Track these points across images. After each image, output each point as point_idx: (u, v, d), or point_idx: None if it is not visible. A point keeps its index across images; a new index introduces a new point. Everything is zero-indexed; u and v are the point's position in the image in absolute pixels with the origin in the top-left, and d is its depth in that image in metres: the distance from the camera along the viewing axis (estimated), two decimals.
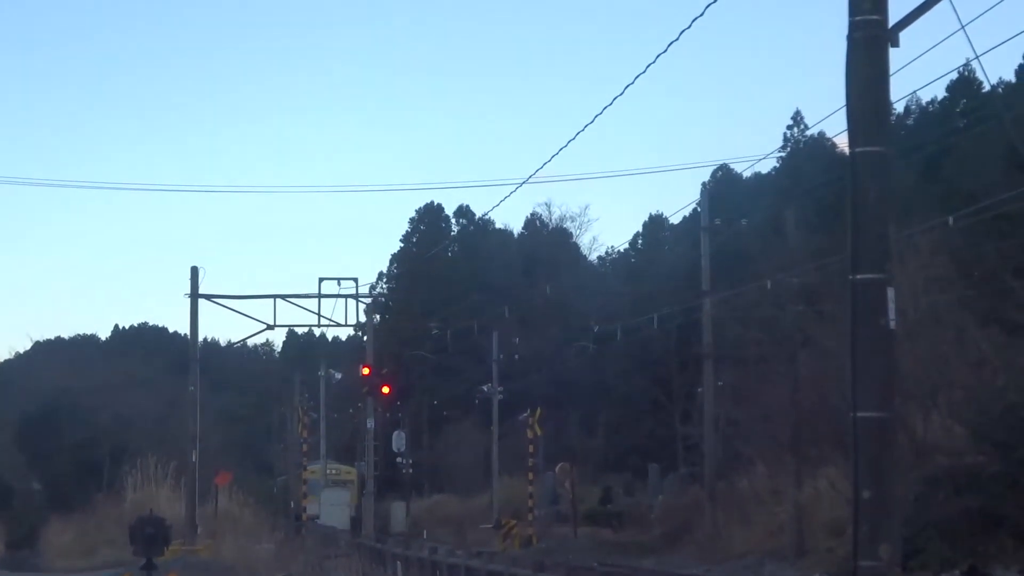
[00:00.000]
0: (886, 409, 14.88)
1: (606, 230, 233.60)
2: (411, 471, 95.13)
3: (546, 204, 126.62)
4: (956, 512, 40.31)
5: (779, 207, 66.69)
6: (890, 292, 14.72)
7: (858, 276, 14.68)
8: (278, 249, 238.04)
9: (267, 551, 47.96)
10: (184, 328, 72.28)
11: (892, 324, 14.77)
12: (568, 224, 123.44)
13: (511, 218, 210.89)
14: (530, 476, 72.63)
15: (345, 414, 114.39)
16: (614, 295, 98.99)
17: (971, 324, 45.28)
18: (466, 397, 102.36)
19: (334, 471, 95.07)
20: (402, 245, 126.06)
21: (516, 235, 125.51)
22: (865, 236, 14.66)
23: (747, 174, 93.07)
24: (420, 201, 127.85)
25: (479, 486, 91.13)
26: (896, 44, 14.95)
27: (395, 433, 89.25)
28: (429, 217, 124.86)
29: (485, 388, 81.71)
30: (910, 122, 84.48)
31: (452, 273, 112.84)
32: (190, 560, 44.16)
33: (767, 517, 53.77)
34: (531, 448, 72.20)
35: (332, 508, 79.16)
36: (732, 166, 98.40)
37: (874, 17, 14.83)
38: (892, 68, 15.00)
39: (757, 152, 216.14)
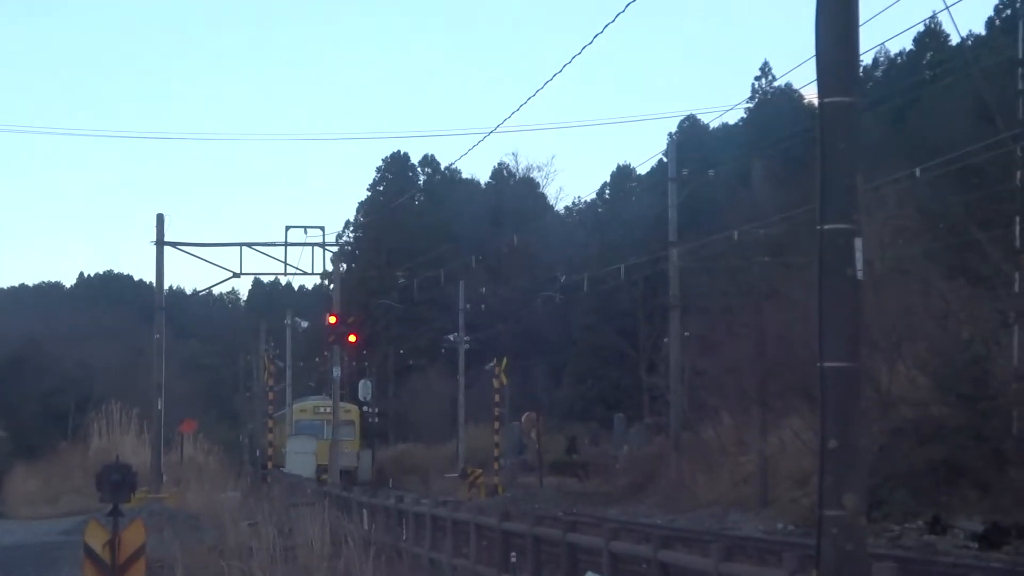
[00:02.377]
0: (853, 359, 14.89)
1: (573, 180, 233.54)
2: (377, 420, 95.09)
3: (513, 154, 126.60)
4: (920, 463, 40.54)
5: (746, 158, 66.73)
6: (858, 242, 14.71)
7: (826, 226, 14.65)
8: (245, 197, 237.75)
9: (232, 499, 47.86)
10: (150, 276, 72.18)
11: (859, 274, 14.78)
12: (535, 174, 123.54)
13: (478, 168, 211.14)
14: (496, 425, 72.74)
15: (311, 363, 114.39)
16: (581, 245, 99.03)
17: (937, 276, 45.41)
18: (432, 346, 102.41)
19: (328, 408, 76.80)
20: (369, 194, 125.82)
21: (483, 185, 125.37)
22: (833, 186, 14.64)
23: (714, 125, 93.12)
24: (387, 150, 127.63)
25: (445, 435, 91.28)
26: None
27: (361, 382, 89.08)
28: (396, 166, 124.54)
29: (451, 337, 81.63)
30: (878, 74, 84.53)
31: (419, 222, 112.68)
32: (156, 508, 44.11)
33: (732, 467, 53.99)
34: (497, 397, 72.27)
35: (298, 457, 79.14)
36: (699, 117, 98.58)
37: None
38: (861, 19, 14.97)
39: (724, 103, 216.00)
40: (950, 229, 49.38)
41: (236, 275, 57.27)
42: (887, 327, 42.40)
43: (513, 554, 28.37)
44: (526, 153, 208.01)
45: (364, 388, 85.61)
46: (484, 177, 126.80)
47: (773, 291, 50.90)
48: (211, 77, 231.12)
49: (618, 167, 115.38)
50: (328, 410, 76.56)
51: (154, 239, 56.72)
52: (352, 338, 57.30)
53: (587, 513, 51.50)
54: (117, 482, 20.32)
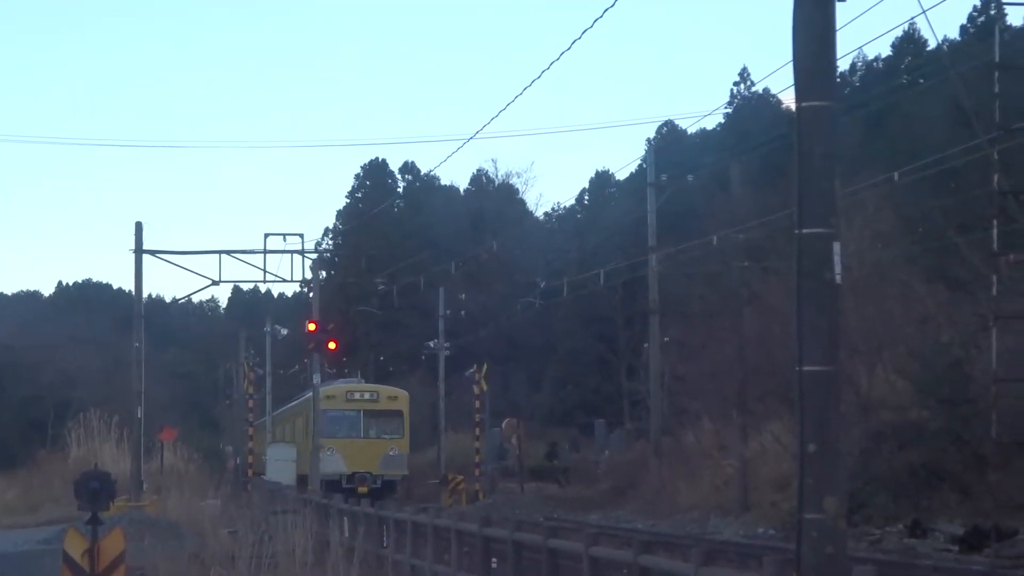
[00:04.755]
0: (831, 363, 14.93)
1: (552, 186, 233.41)
2: None
3: (492, 161, 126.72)
4: (900, 467, 40.65)
5: (725, 163, 66.86)
6: (836, 246, 14.75)
7: (804, 230, 14.69)
8: (224, 205, 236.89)
9: (213, 507, 47.80)
10: (129, 284, 72.05)
11: (838, 278, 14.82)
12: (514, 180, 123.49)
13: (457, 175, 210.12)
14: (477, 432, 72.71)
15: (291, 370, 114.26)
16: (560, 251, 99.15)
17: (915, 280, 45.56)
18: (412, 353, 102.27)
19: (368, 394, 69.68)
20: (348, 201, 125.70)
21: (462, 192, 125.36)
22: (811, 190, 14.68)
23: (693, 130, 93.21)
24: (366, 157, 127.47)
25: (425, 442, 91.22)
26: None
27: None
28: (375, 173, 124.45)
29: (432, 344, 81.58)
30: (855, 80, 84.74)
31: (398, 229, 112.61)
32: (136, 516, 43.96)
33: (712, 472, 54.06)
34: (477, 404, 72.26)
35: (278, 464, 78.98)
36: (678, 122, 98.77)
37: None
38: (839, 23, 15.02)
39: (703, 108, 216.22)
40: (928, 233, 49.57)
41: (215, 283, 57.20)
42: (866, 331, 42.53)
43: (494, 560, 28.37)
44: (505, 159, 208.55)
45: None
46: (463, 183, 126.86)
47: (752, 296, 51.02)
48: (189, 84, 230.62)
49: (597, 173, 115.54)
50: (367, 395, 68.19)
51: (133, 247, 56.63)
52: (332, 345, 57.29)
53: (568, 518, 51.53)
54: (96, 490, 20.27)
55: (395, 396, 68.48)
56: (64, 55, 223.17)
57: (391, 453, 65.12)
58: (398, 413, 67.39)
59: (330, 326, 58.31)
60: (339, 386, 69.88)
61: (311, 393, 62.06)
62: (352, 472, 63.62)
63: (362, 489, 58.87)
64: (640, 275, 65.27)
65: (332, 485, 58.29)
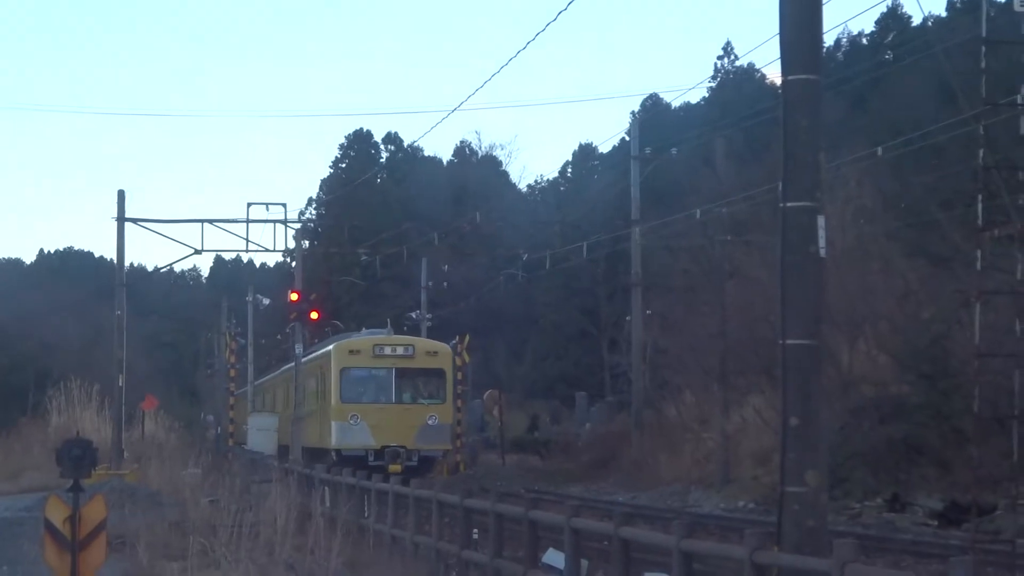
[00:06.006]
0: (814, 337, 14.99)
1: (536, 159, 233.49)
2: None
3: (476, 133, 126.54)
4: (880, 441, 40.79)
5: (709, 137, 66.90)
6: (820, 220, 14.81)
7: (788, 204, 14.73)
8: (207, 174, 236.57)
9: (194, 476, 47.75)
10: (110, 253, 71.86)
11: (822, 252, 14.87)
12: (498, 152, 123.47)
13: (441, 146, 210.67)
14: (458, 404, 72.68)
15: (273, 340, 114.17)
16: (543, 224, 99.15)
17: (898, 256, 45.66)
18: (395, 324, 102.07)
19: (402, 347, 54.63)
20: (331, 171, 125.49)
21: (446, 163, 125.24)
22: (796, 163, 14.71)
23: (677, 104, 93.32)
24: (350, 127, 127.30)
25: None
26: None
27: None
28: (358, 144, 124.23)
29: (414, 315, 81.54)
30: (840, 55, 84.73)
31: (381, 200, 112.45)
32: (116, 484, 43.89)
33: (694, 445, 54.17)
34: (459, 375, 72.24)
35: (259, 434, 78.86)
36: (662, 96, 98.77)
37: None
38: None
39: (687, 82, 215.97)
40: (911, 209, 49.62)
41: (197, 252, 57.02)
42: (848, 306, 42.61)
43: (475, 531, 28.43)
44: (489, 132, 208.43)
45: None
46: (447, 155, 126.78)
47: (735, 270, 51.11)
48: (173, 53, 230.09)
49: (580, 146, 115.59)
50: (401, 349, 54.26)
51: (115, 215, 56.49)
52: (314, 315, 57.15)
53: (549, 491, 51.59)
54: (78, 457, 20.21)
55: (435, 351, 55.52)
56: (47, 22, 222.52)
57: (431, 422, 52.93)
58: (439, 372, 54.46)
59: (313, 296, 58.18)
60: (364, 338, 57.61)
61: (293, 364, 61.41)
62: (382, 447, 51.70)
63: (394, 468, 48.14)
64: (623, 248, 65.29)
65: (355, 462, 47.84)
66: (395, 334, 58.89)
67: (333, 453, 52.09)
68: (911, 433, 40.22)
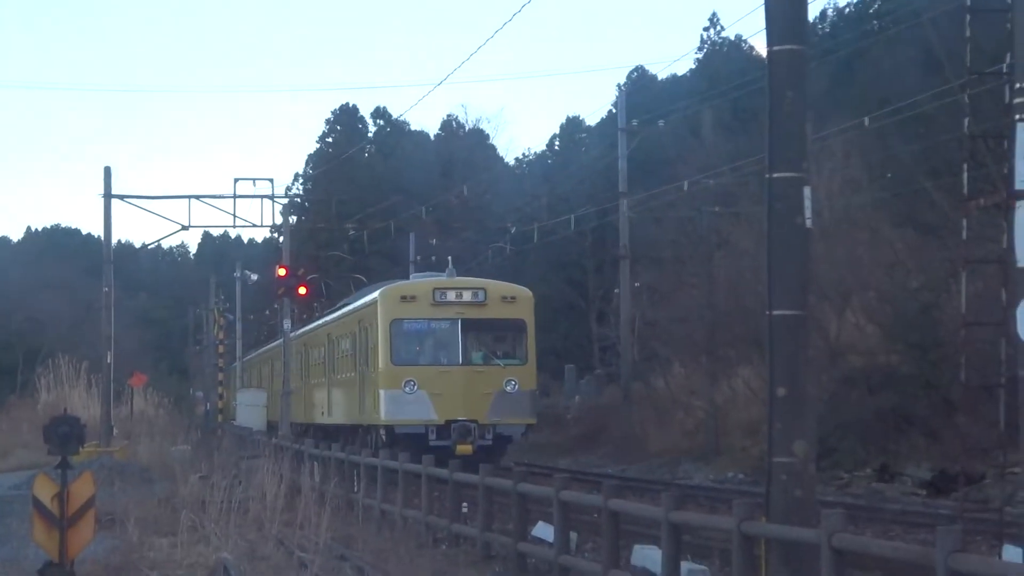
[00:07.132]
0: (801, 307, 14.98)
1: (523, 132, 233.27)
2: None
3: (462, 106, 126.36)
4: (869, 412, 40.85)
5: (696, 109, 66.84)
6: (807, 190, 14.79)
7: (775, 174, 14.71)
8: (193, 150, 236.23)
9: (183, 452, 47.80)
10: (98, 230, 71.63)
11: (808, 222, 14.85)
12: (485, 126, 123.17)
13: (428, 120, 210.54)
14: None
15: (261, 316, 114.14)
16: (531, 197, 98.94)
17: (885, 225, 45.64)
18: None
19: (470, 292, 43.09)
20: (318, 146, 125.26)
21: (433, 137, 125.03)
22: (782, 133, 14.69)
23: (664, 76, 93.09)
24: (336, 102, 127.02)
25: None
26: None
27: None
28: (345, 118, 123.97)
29: None
30: (825, 27, 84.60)
31: (369, 174, 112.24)
32: (106, 461, 43.95)
33: (683, 417, 54.23)
34: None
35: (248, 409, 78.82)
36: (648, 68, 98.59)
37: None
38: None
39: (673, 54, 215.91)
40: (897, 178, 49.60)
41: (185, 228, 56.91)
42: (835, 277, 42.63)
43: (464, 504, 28.48)
44: (476, 104, 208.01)
45: None
46: (434, 129, 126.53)
47: (723, 241, 51.13)
48: (158, 29, 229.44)
49: (568, 118, 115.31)
50: (468, 295, 42.91)
51: (102, 192, 56.37)
52: (302, 290, 57.17)
53: (538, 464, 51.65)
54: (66, 434, 20.21)
55: (513, 296, 44.14)
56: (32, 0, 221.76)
57: (509, 389, 42.28)
58: (518, 324, 43.66)
59: (300, 271, 58.17)
60: (420, 282, 46.06)
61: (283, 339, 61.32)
62: (446, 421, 41.04)
63: (463, 448, 39.67)
64: (611, 221, 65.22)
65: (412, 441, 39.62)
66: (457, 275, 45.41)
67: (382, 431, 42.22)
68: (900, 403, 40.27)
